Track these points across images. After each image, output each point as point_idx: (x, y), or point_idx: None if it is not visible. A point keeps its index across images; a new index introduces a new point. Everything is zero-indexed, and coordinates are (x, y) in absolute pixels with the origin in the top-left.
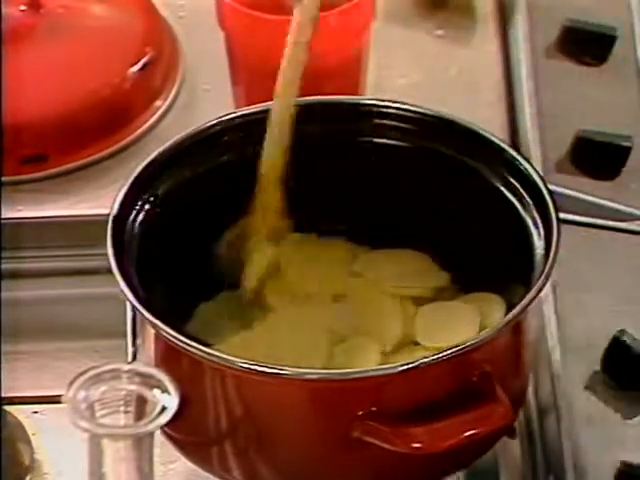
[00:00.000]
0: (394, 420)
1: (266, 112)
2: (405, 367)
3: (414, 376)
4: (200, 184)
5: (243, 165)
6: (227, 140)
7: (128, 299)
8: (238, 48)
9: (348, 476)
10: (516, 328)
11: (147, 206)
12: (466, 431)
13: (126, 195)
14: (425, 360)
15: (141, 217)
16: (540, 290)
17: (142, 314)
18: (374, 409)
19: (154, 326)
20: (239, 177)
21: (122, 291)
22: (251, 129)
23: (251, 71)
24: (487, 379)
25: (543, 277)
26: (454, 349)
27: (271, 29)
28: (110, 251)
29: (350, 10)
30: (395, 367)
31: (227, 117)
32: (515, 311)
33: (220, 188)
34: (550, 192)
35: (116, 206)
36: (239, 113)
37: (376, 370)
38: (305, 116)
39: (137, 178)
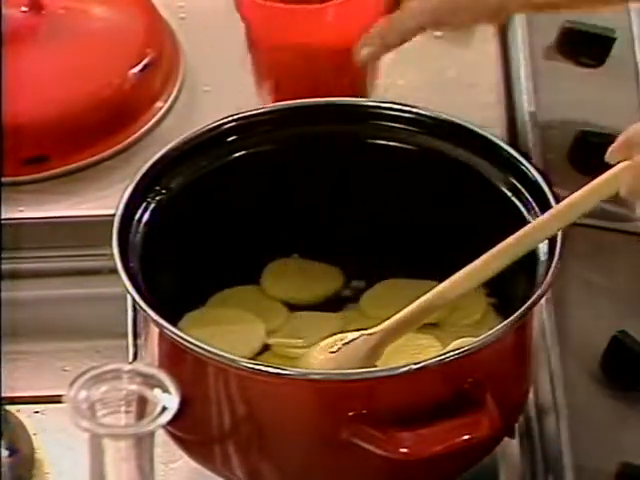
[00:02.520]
0: (383, 424)
1: (270, 113)
2: (407, 369)
3: (407, 380)
4: (205, 183)
5: (248, 165)
6: (232, 140)
7: (133, 298)
8: (257, 38)
9: (345, 477)
10: (514, 335)
11: (152, 205)
12: (452, 438)
13: (131, 194)
14: (426, 363)
15: (146, 216)
16: (540, 298)
17: (147, 313)
18: (364, 412)
19: (158, 325)
20: (244, 176)
21: (127, 290)
22: (256, 129)
23: (272, 61)
24: (478, 387)
25: (544, 285)
26: (447, 355)
27: (290, 19)
28: (115, 250)
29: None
30: (400, 368)
31: (231, 117)
32: (512, 318)
33: (226, 187)
34: (555, 196)
35: (122, 205)
36: (244, 114)
37: (384, 371)
38: (305, 118)
39: (143, 177)
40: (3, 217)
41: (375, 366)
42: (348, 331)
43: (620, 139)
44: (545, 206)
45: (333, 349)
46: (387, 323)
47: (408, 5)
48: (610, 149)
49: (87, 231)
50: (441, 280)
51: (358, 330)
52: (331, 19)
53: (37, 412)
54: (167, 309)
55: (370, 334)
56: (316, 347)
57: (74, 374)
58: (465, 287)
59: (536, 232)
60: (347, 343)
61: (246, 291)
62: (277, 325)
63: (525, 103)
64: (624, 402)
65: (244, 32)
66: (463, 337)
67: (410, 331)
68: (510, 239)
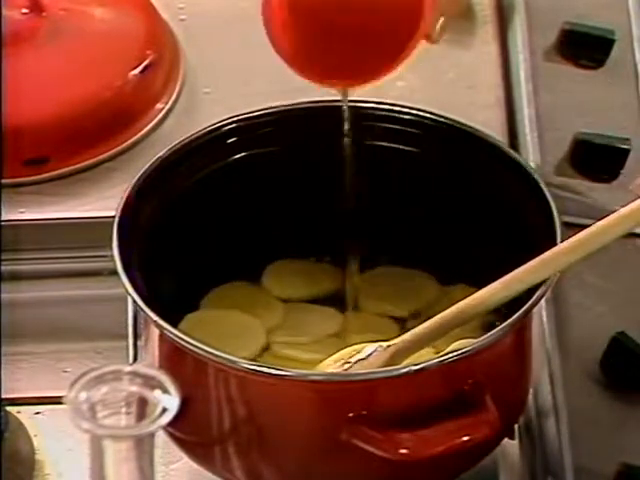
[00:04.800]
0: (383, 425)
1: (270, 114)
2: (407, 370)
3: (407, 381)
4: (206, 185)
5: (249, 166)
6: (232, 141)
7: (133, 299)
8: None
9: (344, 478)
10: (513, 337)
11: (152, 207)
12: (452, 440)
13: (132, 195)
14: (426, 364)
15: (147, 218)
16: (540, 299)
17: (147, 314)
18: (364, 413)
19: (158, 326)
20: (245, 178)
21: (127, 291)
22: (256, 130)
23: None
24: (478, 388)
25: (543, 286)
26: (447, 356)
27: None
28: (115, 251)
29: None
30: (400, 369)
31: (231, 119)
32: (512, 319)
33: (226, 189)
34: (554, 198)
35: (122, 206)
36: (244, 116)
37: (384, 372)
38: (305, 119)
39: (143, 178)
40: (3, 218)
41: None
42: (348, 329)
43: None
44: (544, 208)
45: (349, 360)
46: (403, 337)
47: None
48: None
49: (87, 232)
50: (441, 283)
51: (359, 328)
52: None
53: (37, 413)
54: (167, 310)
55: (385, 347)
56: (328, 359)
57: (74, 375)
58: (484, 307)
59: (562, 255)
60: (361, 359)
61: (240, 288)
62: (276, 322)
63: (525, 105)
64: (624, 403)
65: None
66: (453, 338)
67: (426, 347)
68: (539, 259)
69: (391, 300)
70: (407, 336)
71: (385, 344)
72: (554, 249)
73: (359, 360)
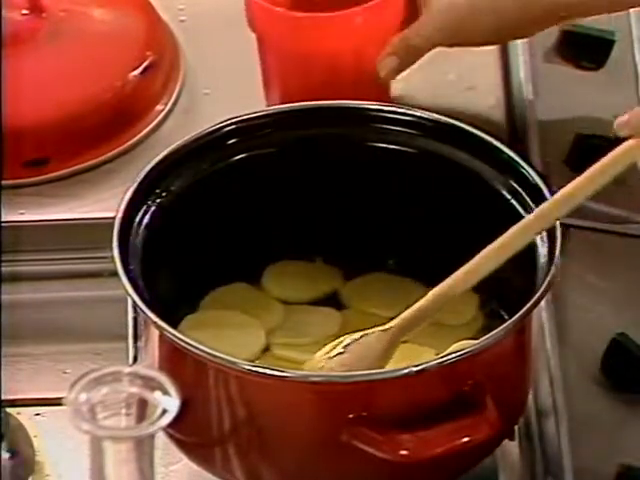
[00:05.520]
0: (383, 426)
1: (270, 115)
2: (407, 371)
3: (407, 382)
4: (206, 186)
5: (249, 167)
6: (232, 143)
7: (133, 300)
8: (270, 50)
9: (345, 479)
10: (513, 338)
11: (152, 208)
12: (452, 441)
13: (132, 197)
14: (426, 365)
15: (147, 219)
16: (540, 299)
17: (147, 315)
18: (364, 414)
19: (158, 327)
20: (245, 179)
21: (127, 292)
22: (256, 131)
23: (285, 73)
24: (479, 389)
25: (544, 287)
26: (448, 357)
27: (304, 27)
28: (115, 252)
29: (378, 7)
30: (400, 370)
31: (231, 120)
32: (512, 320)
33: (226, 190)
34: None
35: (122, 207)
36: (244, 117)
37: (384, 373)
38: (305, 120)
39: (143, 179)
40: (3, 220)
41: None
42: (348, 330)
43: (634, 112)
44: None
45: (335, 352)
46: (399, 319)
47: (421, 21)
48: (621, 121)
49: (87, 234)
50: (439, 282)
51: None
52: (350, 27)
53: (38, 414)
54: (167, 311)
55: (382, 330)
56: (317, 354)
57: (74, 376)
58: (475, 278)
59: (559, 205)
60: (349, 345)
61: (240, 289)
62: (276, 323)
63: (525, 106)
64: (624, 404)
65: (255, 42)
66: (454, 339)
67: (422, 325)
68: (526, 219)
69: (389, 301)
70: (404, 317)
71: (378, 329)
72: (551, 199)
73: (354, 341)
